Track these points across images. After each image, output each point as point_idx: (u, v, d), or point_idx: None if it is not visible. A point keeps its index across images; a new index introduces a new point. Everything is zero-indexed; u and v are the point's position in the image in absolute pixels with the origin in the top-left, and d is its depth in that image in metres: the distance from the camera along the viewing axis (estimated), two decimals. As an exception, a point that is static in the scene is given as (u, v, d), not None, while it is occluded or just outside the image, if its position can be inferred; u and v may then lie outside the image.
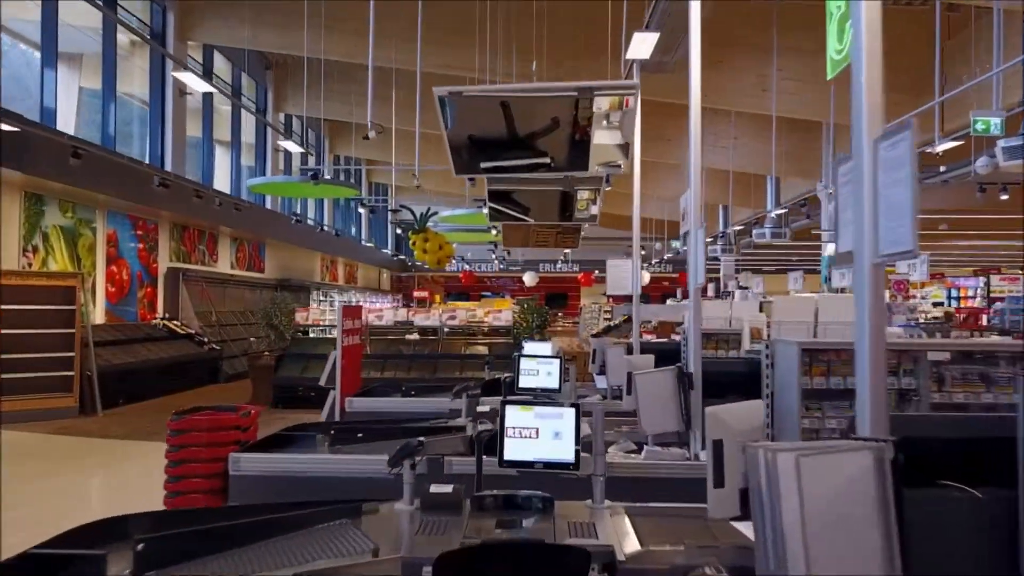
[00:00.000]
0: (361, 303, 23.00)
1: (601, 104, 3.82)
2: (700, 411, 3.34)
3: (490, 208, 5.77)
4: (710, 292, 25.82)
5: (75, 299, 9.45)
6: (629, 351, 5.12)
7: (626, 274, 5.33)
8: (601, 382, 5.85)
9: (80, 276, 9.78)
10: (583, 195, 5.89)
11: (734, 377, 3.82)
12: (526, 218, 5.90)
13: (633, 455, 3.50)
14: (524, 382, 4.19)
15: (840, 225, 1.87)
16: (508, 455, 2.36)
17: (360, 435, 3.75)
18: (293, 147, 12.89)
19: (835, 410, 3.39)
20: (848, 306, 4.06)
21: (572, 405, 2.40)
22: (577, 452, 2.37)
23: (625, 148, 3.74)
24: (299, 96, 16.48)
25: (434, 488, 2.38)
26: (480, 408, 4.56)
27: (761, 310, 5.71)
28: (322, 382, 5.51)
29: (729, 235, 20.91)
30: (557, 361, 4.19)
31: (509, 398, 2.40)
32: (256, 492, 3.21)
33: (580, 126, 4.04)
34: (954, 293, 14.98)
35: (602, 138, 3.65)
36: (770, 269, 28.90)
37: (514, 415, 2.38)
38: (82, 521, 2.17)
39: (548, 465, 2.36)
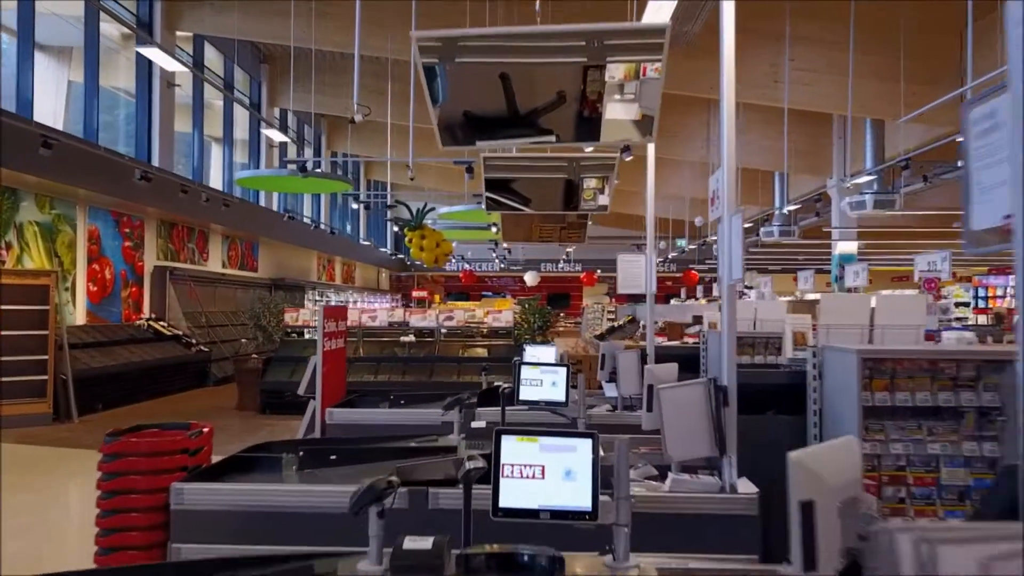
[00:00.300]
0: (358, 303, 22.50)
1: (616, 71, 3.29)
2: (735, 432, 2.80)
3: (487, 198, 5.22)
4: (714, 292, 25.30)
5: (49, 298, 8.90)
6: (643, 357, 4.57)
7: (639, 270, 4.78)
8: (610, 390, 5.31)
9: (55, 275, 9.23)
10: (589, 184, 5.35)
11: (773, 390, 3.27)
12: (525, 208, 5.35)
13: (655, 483, 2.96)
14: (525, 394, 3.64)
15: (973, 191, 1.33)
16: (505, 501, 1.81)
17: (333, 456, 3.21)
18: (277, 135, 12.31)
19: (900, 432, 2.83)
20: (912, 306, 3.52)
21: (588, 434, 1.85)
22: (595, 497, 1.82)
23: (647, 123, 3.20)
24: (294, 90, 15.97)
25: (409, 543, 1.82)
26: (475, 424, 4.02)
27: (791, 310, 5.16)
28: (301, 391, 4.97)
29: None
30: (563, 370, 3.64)
31: (505, 428, 1.84)
32: (202, 530, 2.67)
33: (590, 99, 3.52)
34: (981, 292, 14.36)
35: (617, 109, 3.11)
36: (776, 269, 28.37)
37: (513, 449, 1.83)
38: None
39: (557, 515, 1.81)
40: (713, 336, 4.65)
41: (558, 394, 3.59)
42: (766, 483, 2.82)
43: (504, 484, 1.81)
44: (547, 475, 1.82)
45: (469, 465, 1.81)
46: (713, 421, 2.70)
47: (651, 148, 4.86)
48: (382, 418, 4.69)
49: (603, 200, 5.23)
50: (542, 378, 3.62)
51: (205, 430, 3.07)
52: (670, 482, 2.77)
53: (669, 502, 2.66)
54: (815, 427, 2.82)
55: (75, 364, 9.39)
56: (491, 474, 1.88)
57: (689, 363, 5.01)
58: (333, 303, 20.80)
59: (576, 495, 1.81)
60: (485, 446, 3.55)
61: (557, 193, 5.18)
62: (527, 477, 1.81)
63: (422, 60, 3.17)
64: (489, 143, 3.13)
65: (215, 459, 3.12)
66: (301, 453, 3.20)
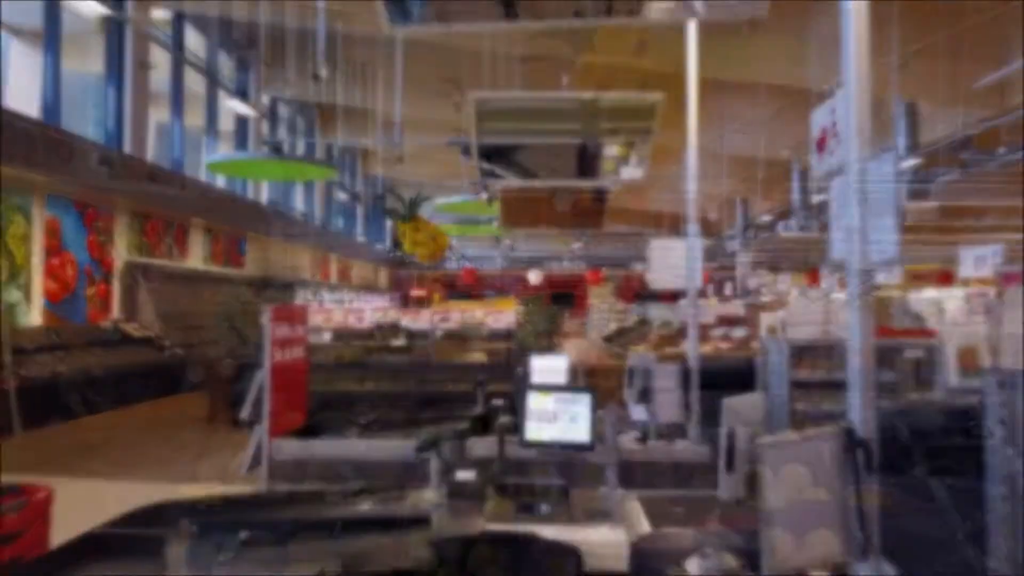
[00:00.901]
0: (353, 302, 21.44)
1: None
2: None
3: (483, 169, 4.14)
4: (726, 290, 24.10)
5: (-13, 298, 7.85)
6: (685, 373, 3.48)
7: (677, 260, 3.69)
8: (636, 410, 4.23)
9: (-6, 270, 8.18)
10: (611, 152, 4.26)
11: (924, 437, 2.16)
12: (530, 181, 4.27)
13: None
14: (533, 432, 2.55)
15: None
16: None
17: (244, 536, 2.12)
18: (244, 108, 11.16)
19: None
20: None
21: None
22: None
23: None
24: (277, 75, 14.89)
25: None
26: (461, 474, 2.91)
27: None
28: (244, 415, 3.91)
29: (752, 229, 19.35)
30: (586, 398, 2.54)
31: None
32: None
33: None
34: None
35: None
36: (787, 267, 27.26)
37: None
38: None
39: None
40: (775, 346, 3.56)
41: (580, 433, 2.50)
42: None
43: None
44: None
45: None
46: (852, 499, 1.61)
47: (693, 100, 3.77)
48: (343, 451, 3.62)
49: (630, 172, 4.14)
50: (556, 410, 2.52)
51: (40, 495, 1.99)
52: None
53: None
54: (1004, 501, 1.74)
55: (23, 371, 8.33)
56: None
57: (740, 379, 3.94)
58: (327, 303, 19.72)
59: None
60: (471, 513, 2.47)
61: (570, 162, 4.09)
62: None
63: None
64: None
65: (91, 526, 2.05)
66: (196, 528, 2.12)
